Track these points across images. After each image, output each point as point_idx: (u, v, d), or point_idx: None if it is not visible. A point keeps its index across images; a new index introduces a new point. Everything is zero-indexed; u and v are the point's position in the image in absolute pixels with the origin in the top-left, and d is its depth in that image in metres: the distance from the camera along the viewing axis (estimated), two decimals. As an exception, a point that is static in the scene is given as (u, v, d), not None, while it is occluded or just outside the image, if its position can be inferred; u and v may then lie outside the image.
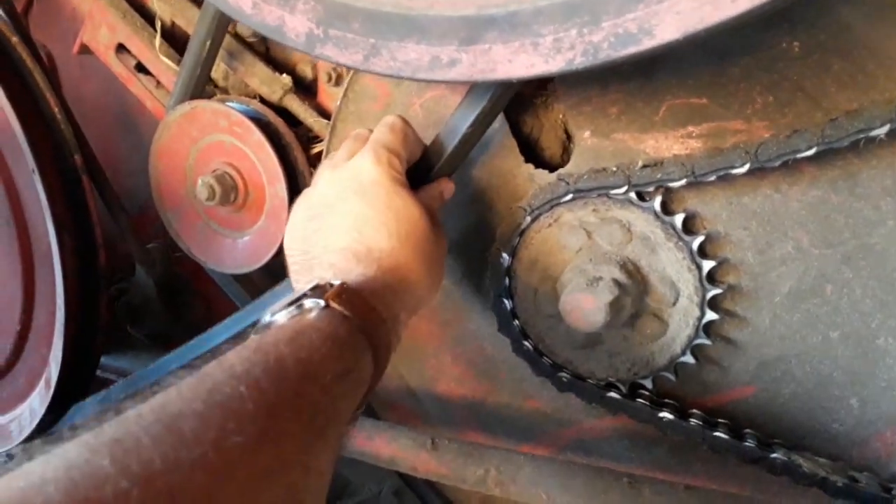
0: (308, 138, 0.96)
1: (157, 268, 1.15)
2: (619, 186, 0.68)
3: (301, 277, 0.63)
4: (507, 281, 0.77)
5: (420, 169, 0.69)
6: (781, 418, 0.74)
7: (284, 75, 0.94)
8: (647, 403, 0.75)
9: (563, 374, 0.78)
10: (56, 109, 0.98)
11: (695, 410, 0.76)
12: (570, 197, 0.71)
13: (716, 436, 0.72)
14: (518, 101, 0.76)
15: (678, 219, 0.69)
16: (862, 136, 0.60)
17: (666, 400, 0.77)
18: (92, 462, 0.33)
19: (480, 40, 0.52)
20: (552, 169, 0.75)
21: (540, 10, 0.49)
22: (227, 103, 0.93)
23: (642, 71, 0.68)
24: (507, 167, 0.77)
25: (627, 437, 0.82)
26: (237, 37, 0.96)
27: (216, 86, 1.02)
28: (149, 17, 1.03)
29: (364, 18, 0.55)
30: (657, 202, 0.69)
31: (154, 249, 1.15)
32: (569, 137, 0.77)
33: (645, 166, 0.68)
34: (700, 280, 0.70)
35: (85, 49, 1.06)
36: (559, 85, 0.74)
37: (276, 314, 0.53)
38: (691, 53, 0.67)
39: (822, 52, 0.62)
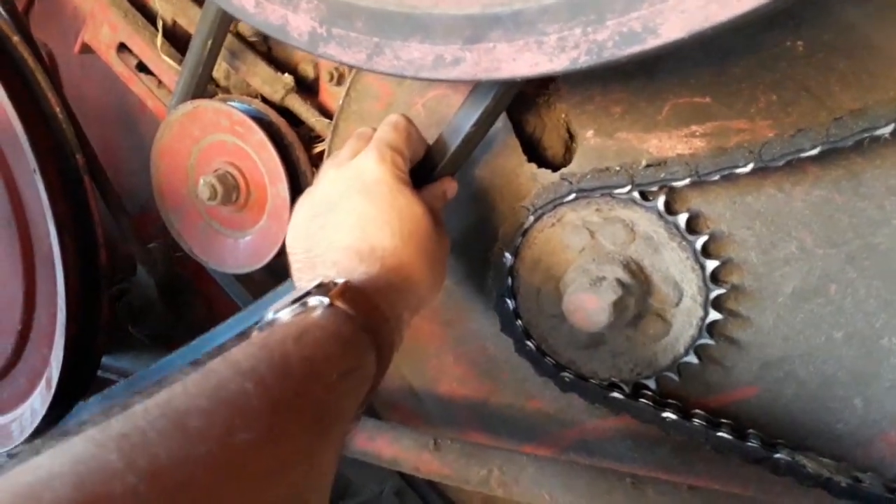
0: (310, 138, 0.96)
1: (158, 268, 1.15)
2: (623, 186, 0.68)
3: (304, 276, 0.63)
4: (509, 281, 0.77)
5: (423, 168, 0.69)
6: (785, 418, 0.74)
7: (286, 75, 0.94)
8: (651, 404, 0.75)
9: (566, 375, 0.78)
10: (57, 109, 0.98)
11: (698, 411, 0.76)
12: (573, 196, 0.71)
13: (719, 436, 0.72)
14: (520, 100, 0.76)
15: (682, 218, 0.69)
16: (866, 135, 0.59)
17: (669, 400, 0.77)
18: (99, 457, 0.33)
19: (485, 39, 0.52)
20: (555, 168, 0.75)
21: (545, 8, 0.49)
22: (229, 103, 0.93)
23: (645, 70, 0.68)
24: (509, 166, 0.77)
25: (630, 438, 0.82)
26: (239, 36, 0.96)
27: (218, 85, 1.02)
28: (150, 16, 1.03)
29: (367, 17, 0.55)
30: (661, 202, 0.68)
31: (155, 249, 1.15)
32: (571, 137, 0.76)
33: (648, 166, 0.68)
34: (703, 280, 0.70)
35: (86, 48, 1.06)
36: (562, 84, 0.73)
37: (280, 312, 0.53)
38: (694, 52, 0.66)
39: (826, 51, 0.62)
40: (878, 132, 0.59)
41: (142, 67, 1.04)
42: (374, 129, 0.69)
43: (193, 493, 0.35)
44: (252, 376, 0.42)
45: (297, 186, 0.91)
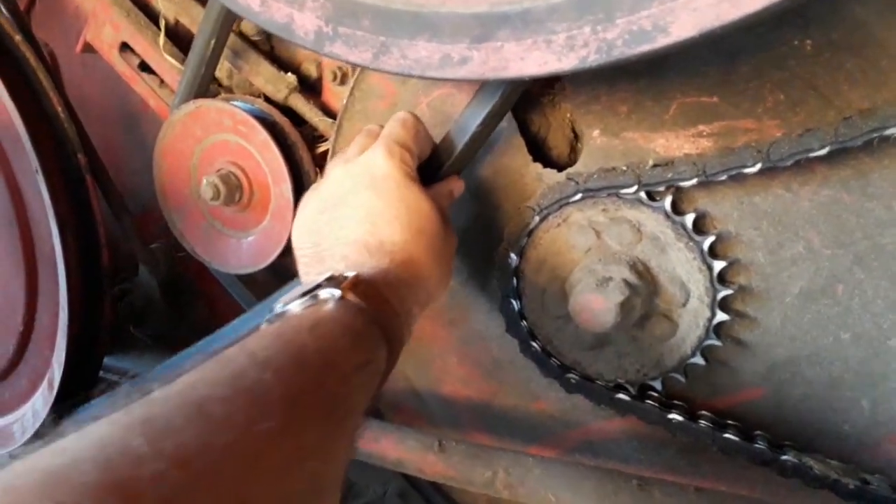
0: (313, 137, 0.96)
1: (160, 268, 1.14)
2: (629, 186, 0.68)
3: (311, 270, 0.63)
4: (514, 281, 0.77)
5: (429, 167, 0.69)
6: (792, 420, 0.74)
7: (289, 74, 0.94)
8: (657, 405, 0.75)
9: (572, 376, 0.78)
10: (59, 108, 0.97)
11: (704, 412, 0.76)
12: (579, 196, 0.71)
13: (726, 437, 0.72)
14: (525, 100, 0.75)
15: (689, 219, 0.68)
16: (876, 135, 0.59)
17: (675, 401, 0.77)
18: (126, 440, 0.33)
19: (492, 38, 0.51)
20: (560, 168, 0.75)
21: (553, 7, 0.48)
22: (232, 102, 0.92)
23: (652, 69, 0.68)
24: (514, 166, 0.77)
25: (636, 439, 0.82)
26: (242, 35, 0.96)
27: (220, 85, 1.01)
28: (153, 15, 1.03)
29: (374, 16, 0.55)
30: (667, 202, 0.68)
31: (157, 249, 1.15)
32: (576, 136, 0.76)
33: (655, 165, 0.67)
34: (711, 280, 0.69)
35: (88, 48, 1.06)
36: (568, 83, 0.73)
37: (290, 304, 0.52)
38: (701, 51, 0.66)
39: (834, 49, 0.62)
40: (888, 132, 0.59)
41: (144, 67, 1.04)
42: (382, 127, 0.68)
43: (218, 480, 0.35)
44: (270, 366, 0.42)
45: (300, 186, 0.91)
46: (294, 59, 0.97)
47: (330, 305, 0.51)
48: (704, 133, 0.68)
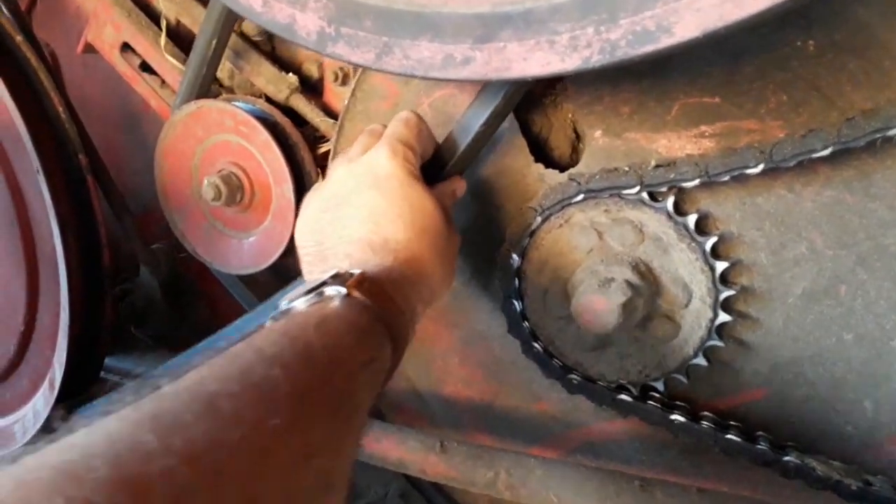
0: (314, 138, 0.96)
1: (161, 268, 1.14)
2: (632, 186, 0.68)
3: (315, 269, 0.63)
4: (516, 282, 0.77)
5: (432, 167, 0.69)
6: (794, 421, 0.74)
7: (290, 74, 0.94)
8: (659, 406, 0.75)
9: (574, 377, 0.78)
10: (60, 109, 0.97)
11: (707, 413, 0.76)
12: (581, 197, 0.70)
13: (728, 438, 0.71)
14: (527, 100, 0.75)
15: (691, 219, 0.68)
16: (879, 135, 0.59)
17: (677, 402, 0.77)
18: (136, 436, 0.33)
19: (495, 38, 0.51)
20: (562, 169, 0.75)
21: (556, 7, 0.48)
22: (234, 103, 0.92)
23: (655, 69, 0.68)
24: (516, 167, 0.77)
25: (638, 440, 0.81)
26: (243, 35, 0.95)
27: (221, 85, 1.01)
28: (154, 15, 1.03)
29: (376, 16, 0.55)
30: (670, 202, 0.68)
31: (159, 250, 1.15)
32: (578, 137, 0.76)
33: (658, 166, 0.67)
34: (713, 281, 0.69)
35: (89, 48, 1.06)
36: (570, 84, 0.73)
37: (295, 301, 0.53)
38: (704, 52, 0.66)
39: (837, 50, 0.62)
40: (891, 132, 0.58)
41: (145, 67, 1.04)
42: (385, 126, 0.68)
43: (227, 477, 0.35)
44: (278, 362, 0.42)
45: (301, 187, 0.91)
46: (295, 59, 0.97)
47: (335, 303, 0.52)
48: (707, 134, 0.67)
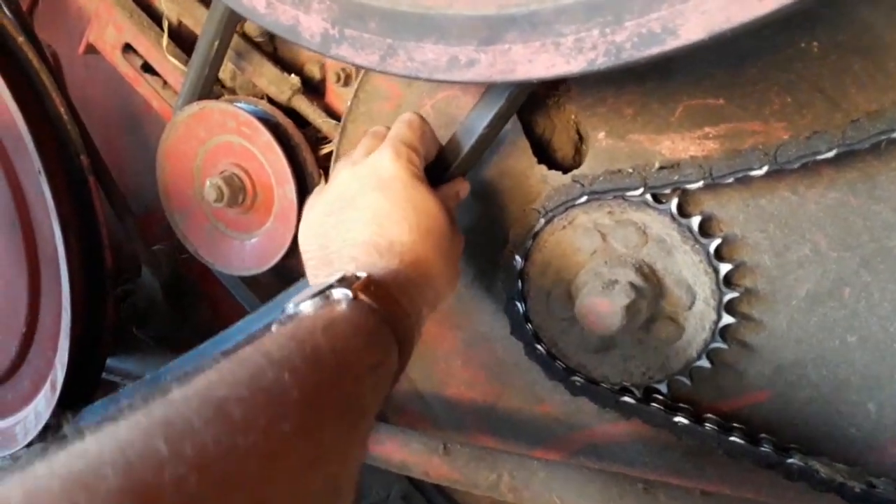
0: (317, 139, 0.95)
1: (163, 269, 1.14)
2: (635, 188, 0.68)
3: (320, 272, 0.63)
4: (519, 284, 0.77)
5: (436, 168, 0.69)
6: (798, 423, 0.74)
7: (293, 75, 0.93)
8: (662, 408, 0.75)
9: (577, 378, 0.77)
10: (62, 109, 0.97)
11: (710, 415, 0.76)
12: (584, 199, 0.70)
13: (731, 441, 0.71)
14: (530, 101, 0.75)
15: (695, 221, 0.68)
16: (883, 137, 0.59)
17: (681, 404, 0.77)
18: (147, 443, 0.33)
19: (500, 40, 0.51)
20: (565, 170, 0.75)
21: (561, 9, 0.48)
22: (236, 104, 0.92)
23: (658, 71, 0.68)
24: (519, 168, 0.77)
25: (641, 442, 0.81)
26: (245, 36, 0.95)
27: (223, 86, 1.01)
28: (156, 16, 1.02)
29: (381, 18, 0.54)
30: (673, 204, 0.68)
31: (160, 251, 1.15)
32: (581, 138, 0.76)
33: (661, 168, 0.67)
34: (717, 283, 0.69)
35: (91, 49, 1.06)
36: (574, 85, 0.73)
37: (301, 304, 0.52)
38: (708, 53, 0.66)
39: (841, 52, 0.62)
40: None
41: (147, 68, 1.03)
42: (388, 128, 0.68)
43: (240, 483, 0.35)
44: (286, 367, 0.42)
45: (304, 188, 0.91)
46: (297, 60, 0.97)
47: (342, 306, 0.51)
48: (711, 135, 0.67)
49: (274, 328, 0.49)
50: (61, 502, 0.29)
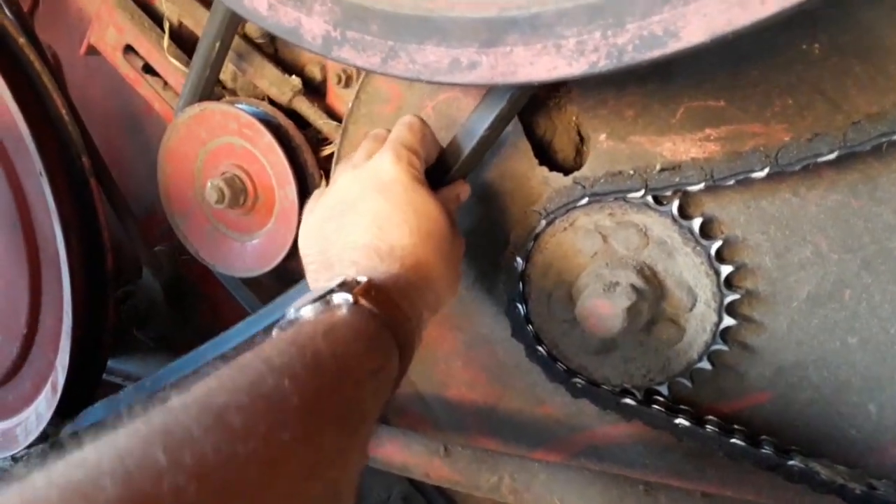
0: (317, 140, 0.95)
1: (164, 271, 1.14)
2: (637, 190, 0.68)
3: (320, 276, 0.63)
4: (520, 285, 0.77)
5: (436, 171, 0.69)
6: (798, 425, 0.74)
7: (294, 77, 0.93)
8: (663, 410, 0.75)
9: (578, 380, 0.78)
10: (63, 111, 0.97)
11: (711, 417, 0.76)
12: (585, 201, 0.70)
13: (732, 442, 0.71)
14: (531, 103, 0.75)
15: (696, 223, 0.68)
16: (884, 139, 0.59)
17: (681, 406, 0.76)
18: (146, 452, 0.33)
19: (501, 42, 0.51)
20: (566, 172, 0.75)
21: (563, 11, 0.48)
22: (237, 105, 0.92)
23: (659, 73, 0.68)
24: (520, 170, 0.77)
25: (642, 444, 0.81)
26: (246, 38, 0.95)
27: (224, 87, 1.01)
28: (157, 17, 1.02)
29: (382, 20, 0.54)
30: (675, 206, 0.68)
31: (161, 252, 1.15)
32: (582, 139, 0.76)
33: (663, 170, 0.67)
34: (718, 285, 0.69)
35: (92, 50, 1.06)
36: (574, 86, 0.73)
37: (302, 309, 0.52)
38: (709, 55, 0.66)
39: (842, 54, 0.62)
40: (897, 136, 0.58)
41: (148, 69, 1.03)
42: (388, 131, 0.68)
43: (239, 491, 0.34)
44: (287, 373, 0.42)
45: (305, 189, 0.91)
46: (298, 61, 0.97)
47: (343, 311, 0.51)
48: (712, 137, 0.67)
49: (275, 333, 0.49)
50: None
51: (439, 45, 0.53)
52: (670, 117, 0.69)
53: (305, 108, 0.93)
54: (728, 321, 0.70)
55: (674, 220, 0.68)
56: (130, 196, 1.10)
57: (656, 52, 0.46)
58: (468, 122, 0.66)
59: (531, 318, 0.78)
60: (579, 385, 0.77)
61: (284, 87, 0.93)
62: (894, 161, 0.63)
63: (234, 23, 0.87)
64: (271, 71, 0.94)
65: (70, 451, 0.33)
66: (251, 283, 1.07)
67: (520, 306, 0.77)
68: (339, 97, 0.94)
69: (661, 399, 0.77)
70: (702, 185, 0.65)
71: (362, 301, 0.52)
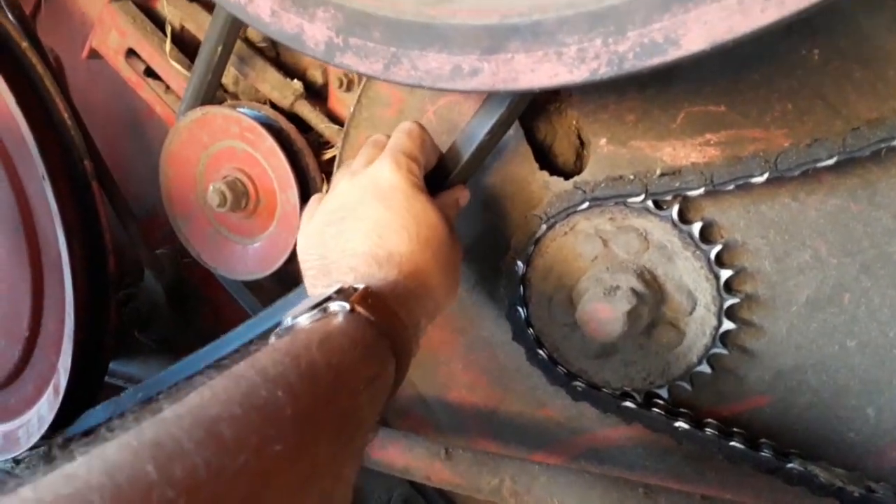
0: (319, 144, 0.96)
1: (166, 273, 1.14)
2: (637, 195, 0.68)
3: (318, 282, 0.63)
4: (521, 289, 0.77)
5: (436, 176, 0.69)
6: (797, 428, 0.74)
7: (295, 81, 0.94)
8: (663, 413, 0.75)
9: (578, 384, 0.78)
10: (65, 114, 0.97)
11: (710, 420, 0.76)
12: (586, 205, 0.71)
13: (731, 445, 0.72)
14: (532, 107, 0.75)
15: (696, 227, 0.68)
16: (884, 145, 0.59)
17: (681, 409, 0.77)
18: (136, 466, 0.33)
19: (503, 49, 0.51)
20: (566, 176, 0.75)
21: (564, 19, 0.49)
22: (239, 109, 0.93)
23: (660, 78, 0.68)
24: (521, 174, 0.77)
25: (642, 447, 0.82)
26: (248, 42, 0.96)
27: (226, 91, 1.01)
28: (159, 21, 1.03)
29: (385, 27, 0.55)
30: (675, 211, 0.68)
31: (163, 255, 1.15)
32: (582, 144, 0.76)
33: (663, 174, 0.67)
34: (717, 289, 0.69)
35: (94, 54, 1.06)
36: (575, 92, 0.73)
37: (299, 317, 0.52)
38: (709, 61, 0.66)
39: (842, 59, 0.62)
40: (896, 142, 0.59)
41: (150, 73, 1.04)
42: (388, 137, 0.68)
43: None
44: (281, 384, 0.42)
45: (306, 193, 0.91)
46: (300, 65, 0.98)
47: (339, 319, 0.51)
48: (712, 142, 0.68)
49: (271, 342, 0.49)
50: None
51: (441, 52, 0.53)
52: (671, 122, 0.69)
53: (307, 111, 0.94)
54: (728, 325, 0.71)
55: (674, 224, 0.69)
56: (132, 199, 1.10)
57: (657, 60, 0.47)
58: (468, 127, 0.67)
59: (532, 322, 0.78)
60: (580, 388, 0.78)
61: (286, 91, 0.93)
62: (893, 166, 0.63)
63: (236, 27, 0.87)
64: (273, 75, 0.94)
65: (60, 463, 0.33)
66: (253, 286, 1.07)
67: (520, 310, 0.78)
68: (341, 101, 0.95)
69: (661, 402, 0.77)
70: (702, 190, 0.66)
71: (359, 309, 0.52)
